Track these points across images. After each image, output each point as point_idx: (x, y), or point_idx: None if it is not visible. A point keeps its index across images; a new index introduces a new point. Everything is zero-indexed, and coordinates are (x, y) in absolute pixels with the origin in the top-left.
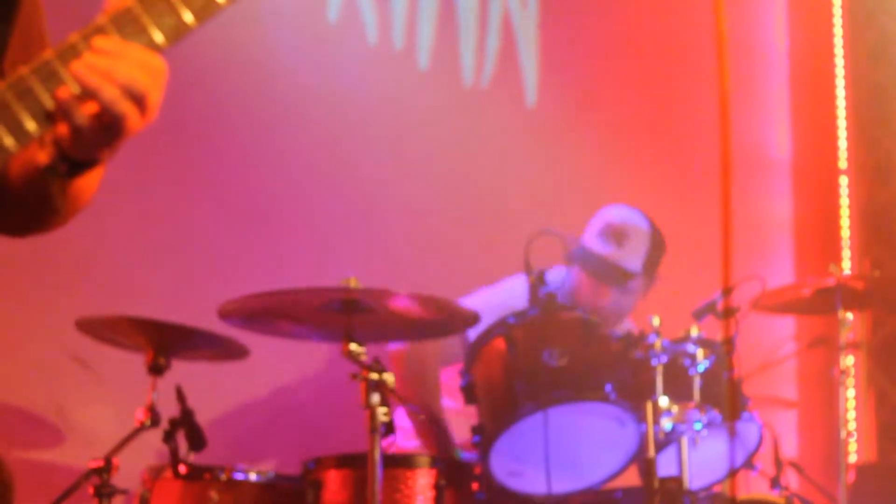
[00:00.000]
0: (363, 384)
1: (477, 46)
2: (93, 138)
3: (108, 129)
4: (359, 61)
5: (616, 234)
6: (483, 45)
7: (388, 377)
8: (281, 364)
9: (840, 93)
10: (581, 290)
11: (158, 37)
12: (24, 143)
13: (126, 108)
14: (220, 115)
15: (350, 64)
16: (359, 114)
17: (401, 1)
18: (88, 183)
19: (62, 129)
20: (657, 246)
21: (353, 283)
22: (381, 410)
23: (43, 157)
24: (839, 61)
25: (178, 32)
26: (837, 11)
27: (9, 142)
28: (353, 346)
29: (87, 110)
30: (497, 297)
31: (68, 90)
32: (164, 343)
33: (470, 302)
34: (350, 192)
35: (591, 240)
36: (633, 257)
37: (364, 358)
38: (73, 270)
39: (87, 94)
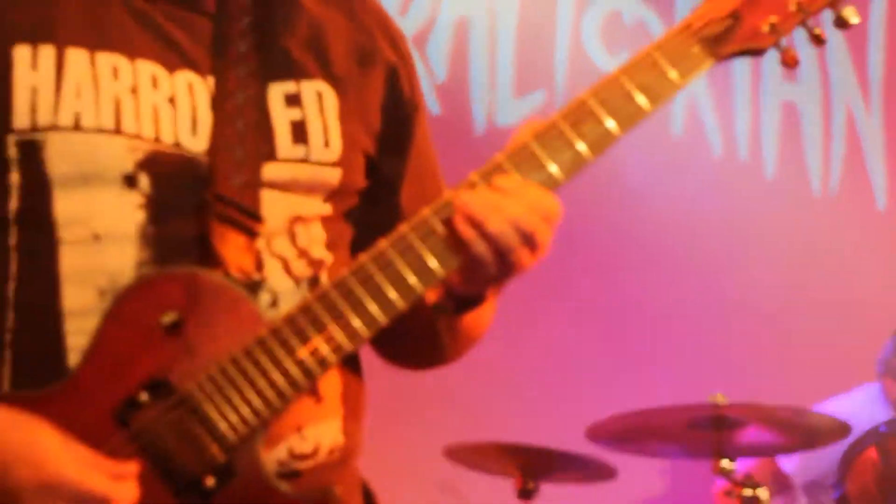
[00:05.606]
0: (737, 502)
1: (823, 154)
2: (480, 273)
3: (495, 263)
4: (704, 173)
5: None
6: (828, 153)
7: (762, 493)
8: (648, 483)
9: None
10: None
11: (556, 172)
12: (429, 283)
13: (513, 242)
14: (573, 237)
15: (696, 176)
16: (706, 226)
17: (744, 112)
18: (477, 320)
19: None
20: None
21: (720, 400)
22: None
23: (431, 294)
24: None
25: (575, 166)
26: None
27: (413, 281)
28: (725, 463)
29: (480, 246)
30: (850, 406)
31: (465, 223)
32: (533, 467)
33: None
34: (706, 305)
35: None
36: None
37: (735, 474)
38: (441, 399)
39: (474, 224)
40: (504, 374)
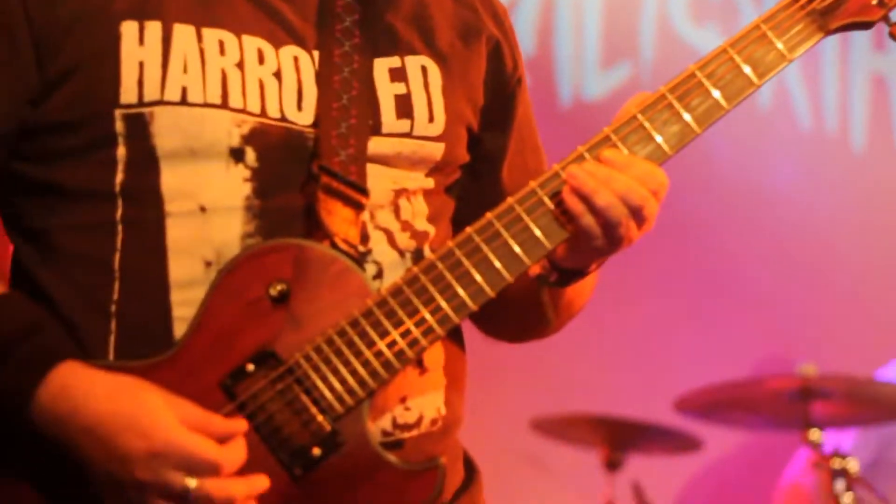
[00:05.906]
0: (826, 473)
1: None
2: (586, 246)
3: (602, 236)
4: (792, 146)
5: None
6: None
7: (852, 464)
8: (734, 455)
9: None
10: None
11: (663, 144)
12: (536, 256)
13: (621, 215)
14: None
15: (783, 149)
16: (793, 199)
17: (832, 84)
18: (580, 292)
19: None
20: None
21: (810, 371)
22: (846, 499)
23: (535, 266)
24: None
25: (682, 139)
26: None
27: (520, 254)
28: (813, 434)
29: (588, 219)
30: None
31: (573, 196)
32: (620, 439)
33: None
34: (793, 277)
35: None
36: None
37: (824, 446)
38: (528, 371)
39: (582, 197)
40: (591, 345)
